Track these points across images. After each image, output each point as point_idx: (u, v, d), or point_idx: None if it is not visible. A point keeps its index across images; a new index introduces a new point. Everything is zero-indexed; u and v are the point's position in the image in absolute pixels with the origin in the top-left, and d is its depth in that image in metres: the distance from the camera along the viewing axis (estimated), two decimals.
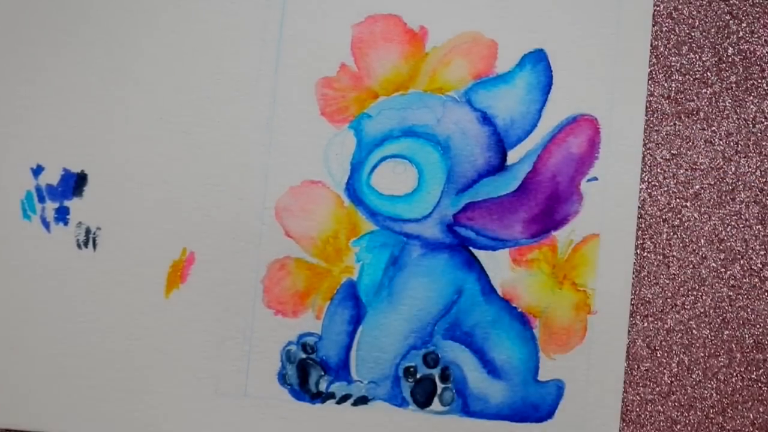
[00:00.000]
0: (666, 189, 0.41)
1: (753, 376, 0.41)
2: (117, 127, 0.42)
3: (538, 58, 0.41)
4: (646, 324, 0.41)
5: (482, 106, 0.41)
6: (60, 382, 0.41)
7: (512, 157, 0.41)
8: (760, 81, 0.42)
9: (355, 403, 0.41)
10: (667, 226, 0.41)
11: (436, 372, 0.41)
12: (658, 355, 0.41)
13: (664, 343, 0.41)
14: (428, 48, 0.42)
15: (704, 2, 0.42)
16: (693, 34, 0.42)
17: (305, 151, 0.41)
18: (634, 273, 0.41)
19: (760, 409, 0.41)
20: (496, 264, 0.41)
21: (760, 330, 0.41)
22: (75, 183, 0.42)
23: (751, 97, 0.42)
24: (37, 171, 0.42)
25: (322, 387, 0.41)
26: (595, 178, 0.41)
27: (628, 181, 0.41)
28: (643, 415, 0.41)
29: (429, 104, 0.41)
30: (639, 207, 0.41)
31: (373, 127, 0.41)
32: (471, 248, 0.41)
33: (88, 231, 0.42)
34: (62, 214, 0.42)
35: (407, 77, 0.41)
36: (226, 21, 0.42)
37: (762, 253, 0.41)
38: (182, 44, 0.42)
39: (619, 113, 0.41)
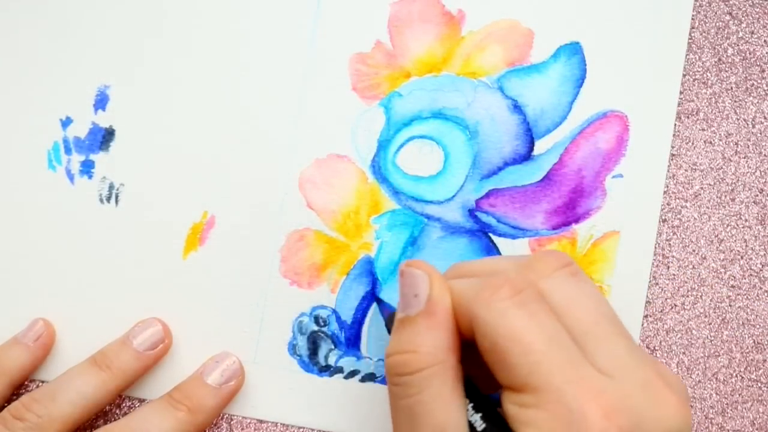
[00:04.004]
0: (666, 189, 0.41)
1: (753, 377, 0.41)
2: (148, 86, 0.42)
3: (573, 51, 0.41)
4: (645, 324, 0.41)
5: (514, 94, 0.41)
6: (73, 335, 0.41)
7: (539, 147, 0.41)
8: (760, 81, 0.42)
9: (363, 380, 0.41)
10: (667, 226, 0.41)
11: None
12: (658, 355, 0.41)
13: (663, 343, 0.41)
14: (464, 32, 0.41)
15: (704, 2, 0.42)
16: (693, 34, 0.42)
17: (333, 125, 0.41)
18: None
19: (760, 409, 0.41)
20: (515, 253, 0.41)
21: (760, 330, 0.41)
22: (102, 137, 0.42)
23: (751, 98, 0.42)
24: (66, 122, 0.42)
25: (332, 360, 0.41)
26: (621, 175, 0.41)
27: (654, 180, 0.41)
28: None
29: (461, 88, 0.41)
30: None
31: (403, 106, 0.41)
32: (491, 235, 0.41)
33: (111, 186, 0.41)
34: (87, 168, 0.42)
35: (441, 59, 0.41)
36: None
37: (762, 253, 0.41)
38: (218, 8, 0.42)
39: (650, 113, 0.41)
